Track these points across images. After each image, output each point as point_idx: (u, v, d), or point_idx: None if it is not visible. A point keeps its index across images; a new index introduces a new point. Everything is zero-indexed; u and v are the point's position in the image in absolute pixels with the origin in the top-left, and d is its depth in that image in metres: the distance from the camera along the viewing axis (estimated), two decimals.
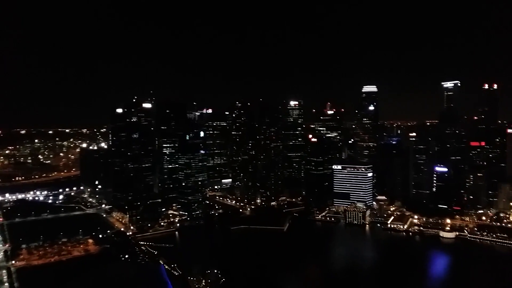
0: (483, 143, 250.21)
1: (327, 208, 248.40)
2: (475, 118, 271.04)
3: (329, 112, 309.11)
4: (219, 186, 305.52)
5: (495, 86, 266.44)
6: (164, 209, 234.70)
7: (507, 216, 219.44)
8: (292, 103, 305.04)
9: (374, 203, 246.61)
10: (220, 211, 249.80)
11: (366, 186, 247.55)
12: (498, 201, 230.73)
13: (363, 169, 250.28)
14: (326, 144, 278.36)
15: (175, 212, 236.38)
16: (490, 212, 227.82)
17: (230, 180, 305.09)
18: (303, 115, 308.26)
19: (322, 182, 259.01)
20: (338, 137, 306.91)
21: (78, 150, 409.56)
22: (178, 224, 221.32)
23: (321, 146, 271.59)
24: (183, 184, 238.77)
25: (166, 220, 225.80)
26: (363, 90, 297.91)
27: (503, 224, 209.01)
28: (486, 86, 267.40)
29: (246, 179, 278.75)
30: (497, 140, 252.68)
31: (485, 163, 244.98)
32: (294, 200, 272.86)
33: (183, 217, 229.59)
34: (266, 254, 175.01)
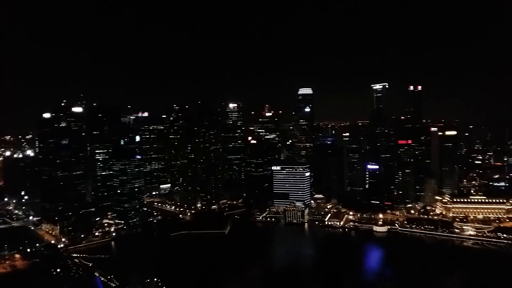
0: (410, 141, 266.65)
1: (268, 209, 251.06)
2: (402, 118, 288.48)
3: (268, 114, 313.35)
4: (157, 192, 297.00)
5: (419, 88, 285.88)
6: (98, 219, 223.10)
7: (433, 209, 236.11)
8: (231, 105, 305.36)
9: (312, 201, 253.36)
10: (159, 217, 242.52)
11: (304, 185, 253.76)
12: (425, 195, 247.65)
13: (301, 169, 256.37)
14: (265, 146, 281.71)
15: (110, 221, 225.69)
16: (418, 205, 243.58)
17: (169, 185, 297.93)
18: (242, 118, 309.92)
19: (262, 183, 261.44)
20: (277, 139, 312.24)
21: (0, 159, 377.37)
22: (114, 234, 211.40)
23: (260, 148, 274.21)
24: (119, 191, 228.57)
25: (100, 230, 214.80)
26: (299, 93, 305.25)
27: (430, 217, 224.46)
28: (411, 88, 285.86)
29: (186, 184, 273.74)
30: (422, 138, 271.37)
31: (412, 160, 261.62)
32: (235, 202, 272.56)
33: (119, 226, 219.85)
34: (207, 259, 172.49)
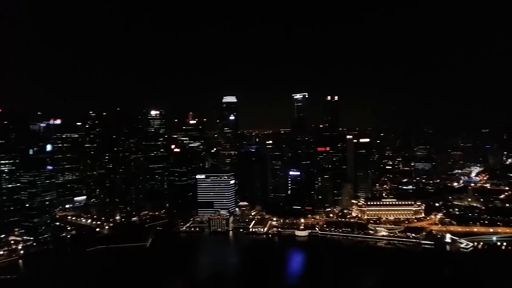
0: (328, 148, 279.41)
1: (192, 219, 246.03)
2: (321, 126, 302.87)
3: (192, 121, 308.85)
4: (71, 205, 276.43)
5: (336, 98, 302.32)
6: (3, 236, 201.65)
7: (350, 212, 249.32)
8: (153, 112, 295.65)
9: (237, 209, 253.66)
10: (73, 232, 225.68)
11: (229, 193, 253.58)
12: (342, 199, 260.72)
13: (226, 177, 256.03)
14: (189, 154, 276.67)
15: (17, 238, 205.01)
16: (336, 209, 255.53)
17: (85, 197, 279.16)
18: (164, 125, 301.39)
19: (186, 192, 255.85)
20: (201, 147, 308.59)
21: None
22: (22, 251, 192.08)
23: (184, 156, 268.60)
24: (27, 205, 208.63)
25: (6, 248, 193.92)
26: (223, 101, 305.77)
27: (347, 219, 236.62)
28: (329, 98, 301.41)
29: (103, 195, 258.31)
30: (339, 145, 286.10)
31: (330, 166, 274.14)
32: (157, 213, 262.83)
33: (28, 243, 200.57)
34: (127, 274, 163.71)
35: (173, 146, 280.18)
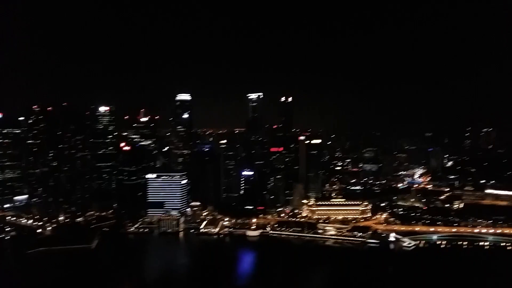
0: (281, 149, 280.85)
1: (141, 219, 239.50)
2: (275, 126, 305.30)
3: (143, 119, 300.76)
4: (11, 204, 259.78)
5: (290, 99, 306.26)
6: None
7: (301, 211, 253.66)
8: (102, 108, 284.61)
9: (188, 209, 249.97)
10: (13, 233, 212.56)
11: (180, 193, 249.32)
12: (293, 199, 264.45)
13: (178, 177, 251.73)
14: (140, 153, 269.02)
15: None
16: (287, 209, 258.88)
17: (26, 196, 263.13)
18: (114, 122, 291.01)
19: (135, 192, 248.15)
20: (153, 145, 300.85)
21: None
22: None
23: (134, 154, 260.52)
24: None
25: None
26: (177, 98, 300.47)
27: (297, 219, 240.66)
28: (283, 99, 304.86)
29: (46, 194, 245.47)
30: (292, 146, 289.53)
31: (282, 166, 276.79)
32: (104, 214, 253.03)
33: None
34: (69, 278, 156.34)
35: (122, 144, 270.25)
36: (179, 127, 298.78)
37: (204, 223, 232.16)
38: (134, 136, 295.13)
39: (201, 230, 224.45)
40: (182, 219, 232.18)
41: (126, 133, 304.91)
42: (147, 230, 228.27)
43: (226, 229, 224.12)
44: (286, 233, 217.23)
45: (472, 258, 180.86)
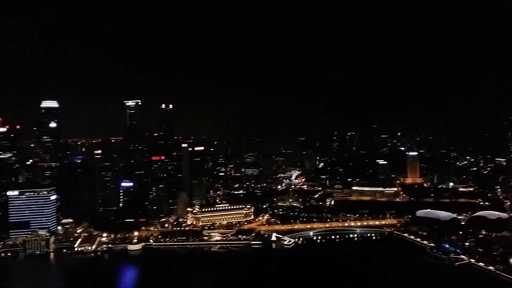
0: (163, 157, 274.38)
1: (2, 242, 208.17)
2: (156, 134, 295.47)
3: (1, 129, 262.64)
4: None
5: (171, 106, 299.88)
6: None
7: (185, 220, 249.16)
8: None
9: (59, 227, 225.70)
10: None
11: (49, 210, 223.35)
12: (177, 208, 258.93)
13: (45, 193, 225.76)
14: None
15: None
16: (171, 219, 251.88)
17: None
18: None
19: None
20: (14, 158, 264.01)
21: None
22: None
23: None
24: None
25: None
26: (42, 106, 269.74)
27: (182, 228, 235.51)
28: (164, 106, 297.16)
29: None
30: (174, 154, 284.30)
31: (165, 175, 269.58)
32: None
33: None
34: None
35: None
36: (45, 137, 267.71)
37: (79, 241, 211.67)
38: None
39: (75, 249, 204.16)
40: (52, 239, 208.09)
41: None
42: (11, 254, 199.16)
43: (104, 246, 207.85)
44: (170, 243, 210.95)
45: (344, 249, 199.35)
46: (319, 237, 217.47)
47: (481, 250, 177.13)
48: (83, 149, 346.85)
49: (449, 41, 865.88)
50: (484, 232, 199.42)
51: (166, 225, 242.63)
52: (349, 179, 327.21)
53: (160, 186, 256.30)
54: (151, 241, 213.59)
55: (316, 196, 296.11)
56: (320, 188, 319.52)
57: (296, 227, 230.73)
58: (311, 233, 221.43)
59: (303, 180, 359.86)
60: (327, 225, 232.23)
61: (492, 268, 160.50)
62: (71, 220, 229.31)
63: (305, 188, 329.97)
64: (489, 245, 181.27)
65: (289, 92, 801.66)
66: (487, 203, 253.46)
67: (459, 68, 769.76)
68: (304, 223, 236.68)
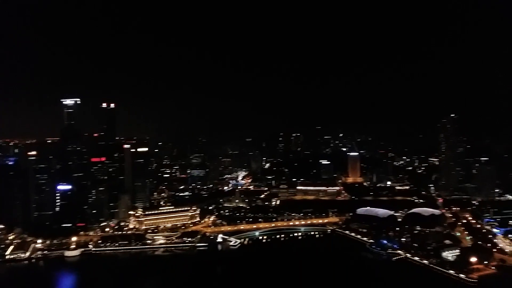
0: (103, 159, 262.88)
1: None
2: (96, 135, 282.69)
3: None
4: None
5: (112, 105, 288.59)
6: None
7: (127, 224, 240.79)
8: None
9: None
10: None
11: None
12: (119, 211, 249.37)
13: None
14: None
15: None
16: (113, 223, 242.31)
17: None
18: None
19: None
20: None
21: None
22: None
23: None
24: None
25: None
26: None
27: (124, 232, 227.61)
28: (105, 105, 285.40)
29: None
30: (116, 155, 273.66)
31: (106, 177, 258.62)
32: None
33: None
34: None
35: None
36: None
37: (11, 248, 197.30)
38: None
39: (6, 257, 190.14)
40: None
41: None
42: None
43: (39, 253, 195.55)
44: (111, 248, 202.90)
45: (288, 247, 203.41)
46: (265, 237, 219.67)
47: (416, 245, 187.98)
48: (16, 150, 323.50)
49: (385, 44, 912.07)
50: (418, 228, 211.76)
51: (107, 229, 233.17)
52: (294, 179, 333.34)
53: (101, 189, 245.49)
54: (90, 246, 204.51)
55: (262, 196, 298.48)
56: (266, 189, 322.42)
57: (242, 227, 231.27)
58: (257, 233, 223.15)
59: (249, 180, 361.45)
60: (273, 225, 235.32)
61: (426, 261, 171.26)
62: (2, 226, 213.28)
63: (252, 189, 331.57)
64: (423, 240, 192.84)
65: (235, 93, 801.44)
66: (421, 201, 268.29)
67: (395, 72, 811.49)
68: (250, 224, 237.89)
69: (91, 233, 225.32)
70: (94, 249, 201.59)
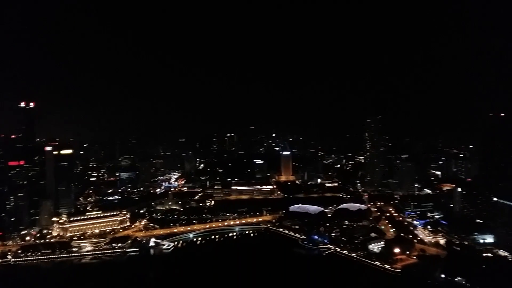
0: (22, 162, 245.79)
1: None
2: (13, 136, 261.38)
3: None
4: None
5: (32, 104, 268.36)
6: None
7: (50, 231, 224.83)
8: None
9: None
10: None
11: None
12: (41, 218, 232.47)
13: None
14: None
15: None
16: (34, 230, 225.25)
17: None
18: None
19: None
20: None
21: None
22: None
23: None
24: None
25: None
26: None
27: (47, 240, 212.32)
28: (23, 105, 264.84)
29: None
30: (36, 158, 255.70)
31: (25, 182, 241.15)
32: None
33: None
34: None
35: None
36: None
37: None
38: None
39: None
40: None
41: None
42: None
43: None
44: (33, 258, 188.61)
45: (223, 247, 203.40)
46: (199, 239, 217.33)
47: (344, 239, 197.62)
48: None
49: (318, 46, 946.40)
50: (347, 223, 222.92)
51: (28, 238, 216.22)
52: (228, 179, 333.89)
53: (20, 194, 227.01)
54: (9, 257, 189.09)
55: (196, 197, 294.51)
56: (200, 189, 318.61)
57: (175, 230, 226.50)
58: (191, 235, 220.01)
59: (183, 182, 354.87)
60: (207, 226, 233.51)
61: (354, 254, 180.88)
62: None
63: (185, 190, 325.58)
64: (351, 234, 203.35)
65: (168, 93, 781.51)
66: (349, 196, 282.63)
67: (324, 74, 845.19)
68: (184, 226, 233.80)
69: (9, 242, 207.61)
70: (13, 259, 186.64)
